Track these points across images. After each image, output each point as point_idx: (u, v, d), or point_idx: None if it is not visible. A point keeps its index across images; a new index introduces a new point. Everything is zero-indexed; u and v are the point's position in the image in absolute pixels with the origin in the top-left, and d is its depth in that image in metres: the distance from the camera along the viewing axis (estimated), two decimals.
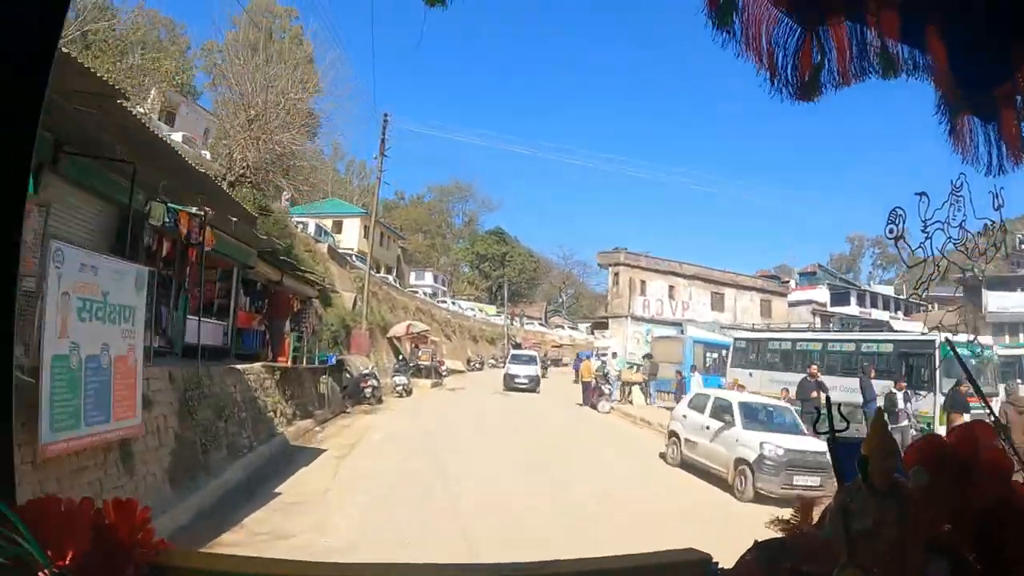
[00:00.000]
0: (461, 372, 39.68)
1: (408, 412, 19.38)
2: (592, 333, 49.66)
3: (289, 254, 16.91)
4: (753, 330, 30.86)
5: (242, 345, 13.67)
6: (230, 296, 13.04)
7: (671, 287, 42.03)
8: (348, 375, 20.11)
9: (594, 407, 22.91)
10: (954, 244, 1.11)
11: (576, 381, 29.24)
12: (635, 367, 29.82)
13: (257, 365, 13.03)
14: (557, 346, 62.35)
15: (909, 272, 1.25)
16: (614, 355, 36.10)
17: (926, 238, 1.07)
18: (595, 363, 27.29)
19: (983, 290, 41.25)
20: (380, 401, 20.58)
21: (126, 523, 0.94)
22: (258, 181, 22.02)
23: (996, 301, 40.20)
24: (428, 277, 63.52)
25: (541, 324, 72.08)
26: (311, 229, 33.98)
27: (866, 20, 1.06)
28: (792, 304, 46.19)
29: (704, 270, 43.98)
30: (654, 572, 1.16)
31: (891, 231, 1.12)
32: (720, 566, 1.14)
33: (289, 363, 14.76)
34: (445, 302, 55.22)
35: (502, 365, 52.74)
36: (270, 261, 14.50)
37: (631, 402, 25.07)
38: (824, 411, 1.13)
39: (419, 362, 30.04)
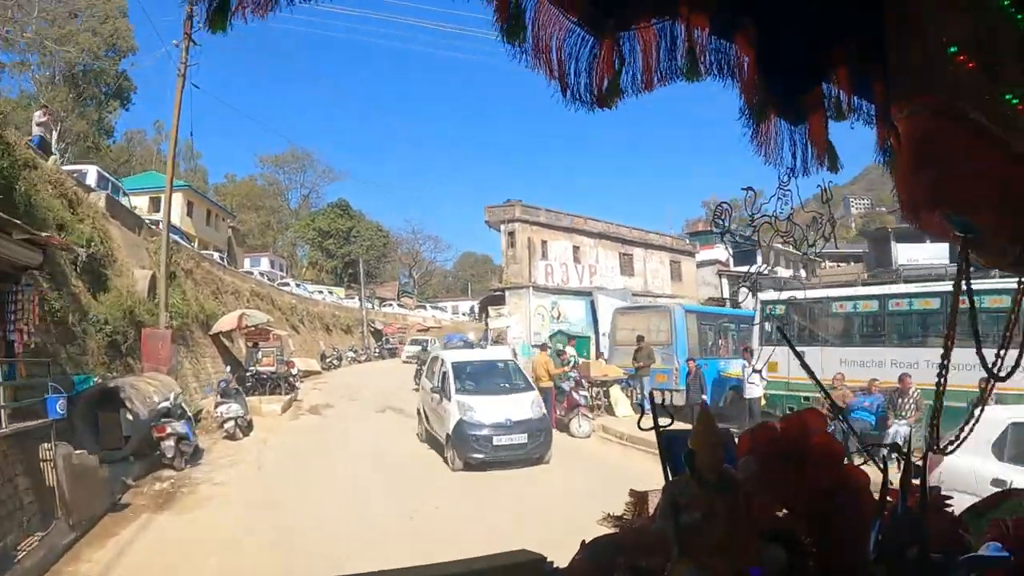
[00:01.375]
0: (316, 373, 36.06)
1: (245, 497, 11.34)
2: (483, 313, 46.60)
3: None
4: (785, 287, 24.03)
5: None
6: None
7: (576, 248, 40.14)
8: (130, 417, 12.28)
9: (566, 428, 16.59)
10: (782, 237, 1.36)
11: None
12: (603, 357, 23.75)
13: None
14: (423, 330, 61.14)
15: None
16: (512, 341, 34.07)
17: (754, 231, 1.30)
18: (549, 352, 19.97)
19: (892, 242, 45.54)
20: (195, 458, 13.46)
21: None
22: None
23: (906, 253, 44.36)
24: (264, 263, 61.70)
25: (400, 306, 72.25)
26: (90, 179, 25.66)
27: (676, 24, 1.25)
28: (699, 265, 46.74)
29: (611, 227, 42.51)
30: None
31: (717, 225, 1.36)
32: (555, 565, 1.29)
33: None
34: (288, 284, 52.15)
35: (364, 359, 48.68)
36: None
37: (613, 413, 19.34)
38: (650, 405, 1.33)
39: (259, 369, 24.33)
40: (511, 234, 37.87)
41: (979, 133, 1.24)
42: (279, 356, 26.87)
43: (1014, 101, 1.41)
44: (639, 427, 1.43)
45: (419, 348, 43.70)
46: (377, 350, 54.01)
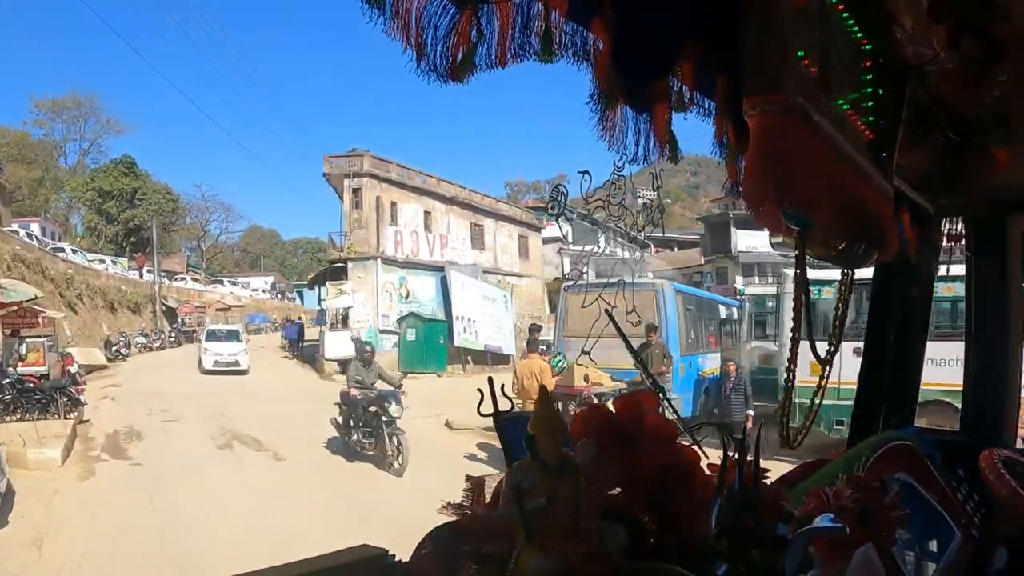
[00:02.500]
0: (102, 367, 29.68)
1: None
2: (313, 288, 42.74)
3: None
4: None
5: None
6: None
7: (427, 213, 36.26)
8: None
9: None
10: (614, 221, 1.47)
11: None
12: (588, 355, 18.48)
13: None
14: (223, 308, 57.44)
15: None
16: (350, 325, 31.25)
17: (588, 213, 1.41)
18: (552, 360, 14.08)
19: (732, 228, 48.44)
20: None
21: None
22: None
23: (745, 240, 45.36)
24: (36, 228, 52.40)
25: (194, 280, 66.76)
26: None
27: (535, 3, 1.32)
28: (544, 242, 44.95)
29: (463, 192, 39.26)
30: (330, 575, 1.28)
31: (553, 207, 1.45)
32: (397, 559, 1.31)
33: None
34: (63, 250, 45.34)
35: (158, 345, 43.36)
36: None
37: None
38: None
39: (23, 374, 17.28)
40: (356, 191, 33.38)
41: (818, 133, 1.40)
42: (53, 347, 20.16)
43: (845, 106, 1.61)
44: (479, 413, 1.49)
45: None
46: (172, 335, 48.66)
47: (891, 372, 2.86)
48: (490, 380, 1.38)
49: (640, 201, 1.48)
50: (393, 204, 34.61)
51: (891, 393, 2.86)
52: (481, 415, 1.45)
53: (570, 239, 41.95)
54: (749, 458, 1.40)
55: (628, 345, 1.86)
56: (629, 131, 1.52)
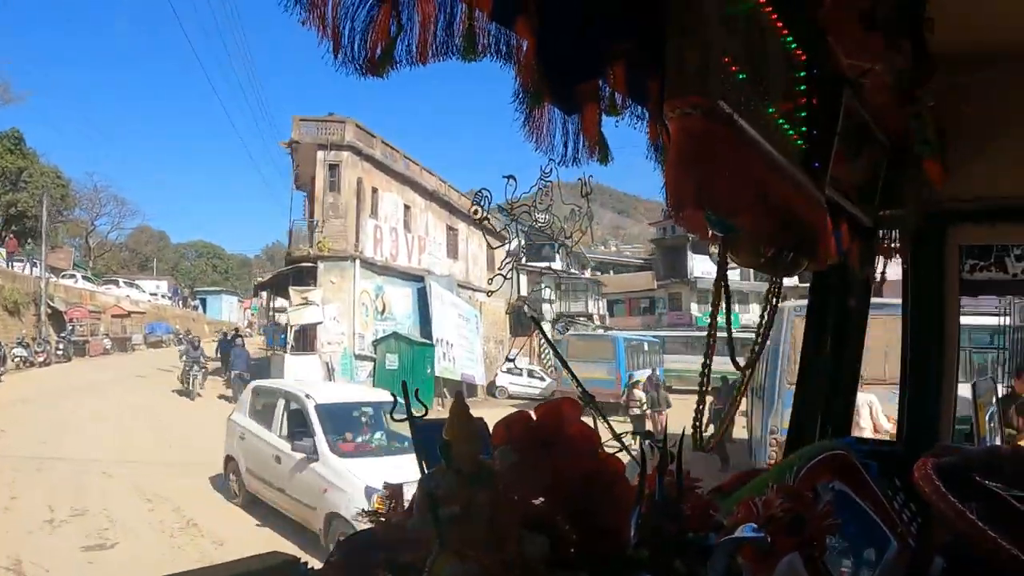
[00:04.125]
0: None
1: None
2: (274, 297, 34.61)
3: None
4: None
5: None
6: None
7: (407, 207, 30.08)
8: None
9: None
10: (539, 228, 1.45)
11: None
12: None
13: None
14: (121, 315, 47.10)
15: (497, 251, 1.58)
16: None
17: (511, 220, 1.38)
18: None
19: (688, 252, 48.09)
20: None
21: None
22: None
23: (701, 266, 45.08)
24: None
25: (86, 279, 54.27)
26: None
27: (457, 3, 1.30)
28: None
29: (443, 186, 33.82)
30: None
31: (475, 212, 1.43)
32: (309, 566, 1.29)
33: None
34: None
35: (43, 359, 31.74)
36: None
37: None
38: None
39: None
40: (334, 168, 25.97)
41: (742, 138, 1.40)
42: None
43: (775, 114, 1.61)
44: (391, 416, 1.46)
45: None
46: (61, 345, 35.51)
47: (827, 383, 2.89)
48: (403, 384, 1.35)
49: (569, 208, 1.45)
50: (375, 191, 27.43)
51: (827, 403, 2.89)
52: (395, 420, 1.42)
53: (522, 254, 39.01)
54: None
55: (553, 348, 1.83)
56: (557, 132, 1.51)
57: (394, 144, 29.92)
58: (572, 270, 48.42)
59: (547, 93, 1.39)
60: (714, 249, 1.79)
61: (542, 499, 1.42)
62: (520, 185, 1.35)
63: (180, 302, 72.12)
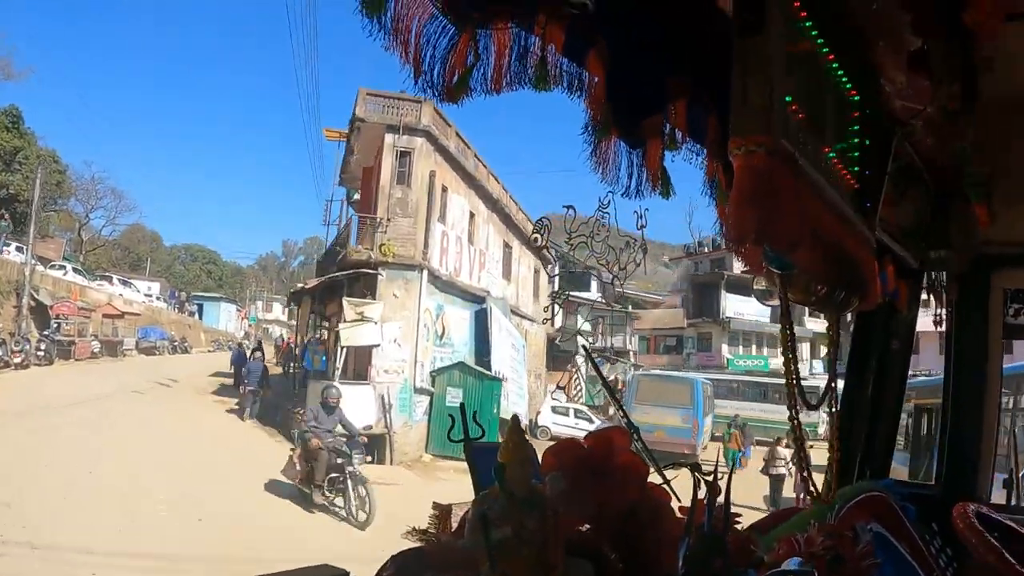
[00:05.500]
0: None
1: None
2: (291, 305, 31.43)
3: None
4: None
5: None
6: None
7: (472, 215, 25.16)
8: None
9: None
10: (595, 258, 1.47)
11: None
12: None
13: None
14: (113, 315, 42.00)
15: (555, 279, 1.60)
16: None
17: (571, 249, 1.41)
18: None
19: (722, 291, 43.29)
20: None
21: None
22: None
23: (734, 305, 42.31)
24: None
25: (76, 271, 48.44)
26: None
27: (532, 30, 1.34)
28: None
29: (505, 195, 29.33)
30: None
31: (535, 240, 1.46)
32: None
33: None
34: None
35: (20, 359, 26.31)
36: None
37: None
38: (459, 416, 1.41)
39: None
40: (405, 156, 20.75)
41: (802, 178, 1.42)
42: None
43: (831, 155, 1.63)
44: (449, 438, 1.49)
45: None
46: (42, 345, 30.24)
47: (868, 423, 2.87)
48: (462, 407, 1.37)
49: (624, 240, 1.47)
50: (444, 191, 22.63)
51: (867, 444, 2.87)
52: (451, 441, 1.44)
53: (555, 283, 36.63)
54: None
55: (603, 380, 1.85)
56: (622, 164, 1.55)
57: (466, 138, 25.10)
58: (612, 303, 46.23)
59: (614, 126, 1.42)
60: (760, 285, 1.80)
61: (588, 526, 1.44)
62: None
63: (176, 307, 66.59)
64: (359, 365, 20.44)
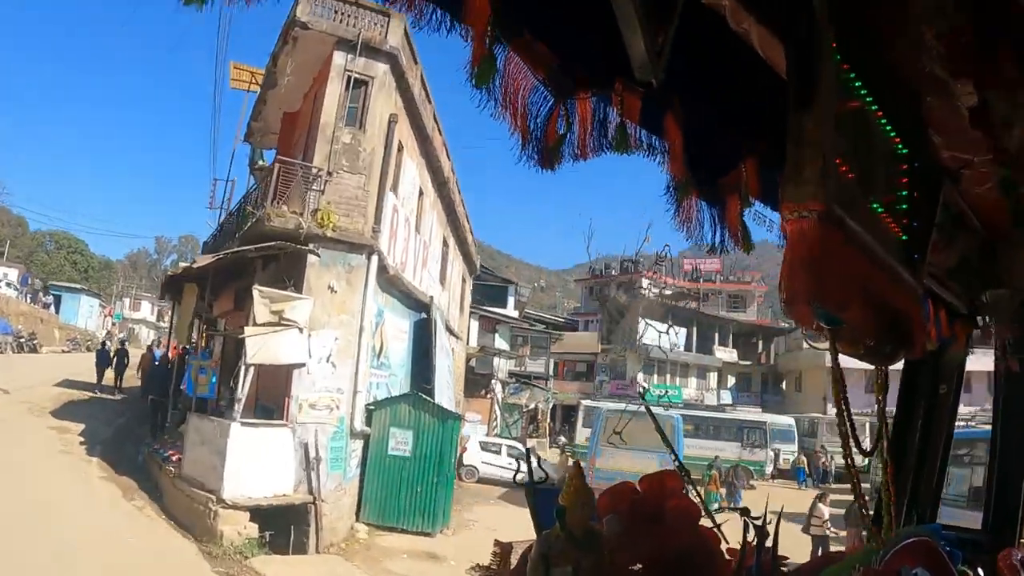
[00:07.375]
0: None
1: None
2: (165, 294, 22.10)
3: None
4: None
5: None
6: None
7: (421, 193, 19.38)
8: None
9: None
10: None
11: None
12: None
13: None
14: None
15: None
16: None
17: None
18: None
19: (640, 319, 41.34)
20: None
21: None
22: None
23: (652, 333, 40.05)
24: None
25: None
26: None
27: (610, 99, 1.43)
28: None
29: (453, 176, 23.24)
30: None
31: (600, 298, 1.56)
32: None
33: None
34: None
35: None
36: None
37: None
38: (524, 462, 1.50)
39: None
40: (361, 86, 14.67)
41: (851, 239, 1.49)
42: None
43: (879, 209, 1.69)
44: (514, 481, 1.58)
45: None
46: None
47: (915, 467, 2.88)
48: (527, 451, 1.46)
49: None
50: (400, 150, 16.44)
51: (914, 488, 2.88)
52: (516, 484, 1.53)
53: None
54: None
55: (654, 419, 1.92)
56: (705, 221, 1.63)
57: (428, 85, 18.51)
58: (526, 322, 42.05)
59: (694, 185, 1.50)
60: (802, 336, 1.86)
61: (642, 567, 1.51)
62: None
63: (28, 296, 55.73)
64: (271, 394, 13.78)
